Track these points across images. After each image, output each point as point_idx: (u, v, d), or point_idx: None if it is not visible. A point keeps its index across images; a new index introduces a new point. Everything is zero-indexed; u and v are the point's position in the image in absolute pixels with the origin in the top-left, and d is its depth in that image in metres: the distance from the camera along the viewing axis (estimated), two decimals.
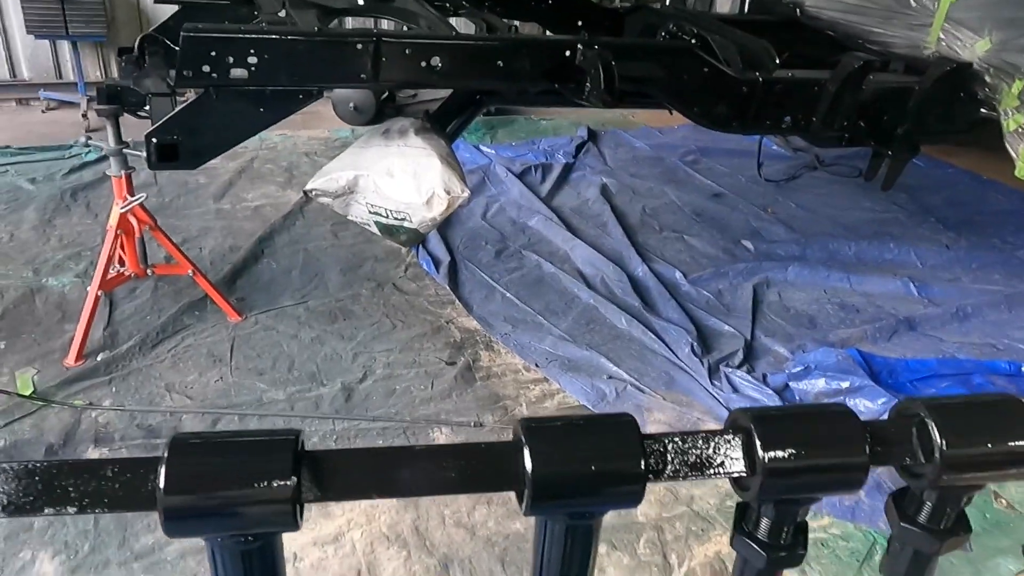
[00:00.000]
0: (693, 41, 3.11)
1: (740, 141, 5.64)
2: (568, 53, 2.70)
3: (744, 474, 0.52)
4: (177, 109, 2.49)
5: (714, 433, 0.52)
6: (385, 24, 3.49)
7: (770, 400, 3.01)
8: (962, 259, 4.32)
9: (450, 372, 3.10)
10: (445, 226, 4.18)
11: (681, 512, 2.56)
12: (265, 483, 0.45)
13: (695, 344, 3.26)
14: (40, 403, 2.76)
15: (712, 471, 0.52)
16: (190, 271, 3.26)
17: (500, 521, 2.47)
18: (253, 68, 2.38)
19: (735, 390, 3.07)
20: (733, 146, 5.59)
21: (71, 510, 0.44)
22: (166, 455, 0.45)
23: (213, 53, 2.34)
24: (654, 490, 2.63)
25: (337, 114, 5.68)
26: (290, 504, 0.46)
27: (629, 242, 4.14)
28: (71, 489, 0.44)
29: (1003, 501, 2.74)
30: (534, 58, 2.67)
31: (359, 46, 2.45)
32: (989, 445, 0.53)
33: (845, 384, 3.03)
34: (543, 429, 0.50)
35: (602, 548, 2.40)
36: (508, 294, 3.64)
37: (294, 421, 2.79)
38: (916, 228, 4.70)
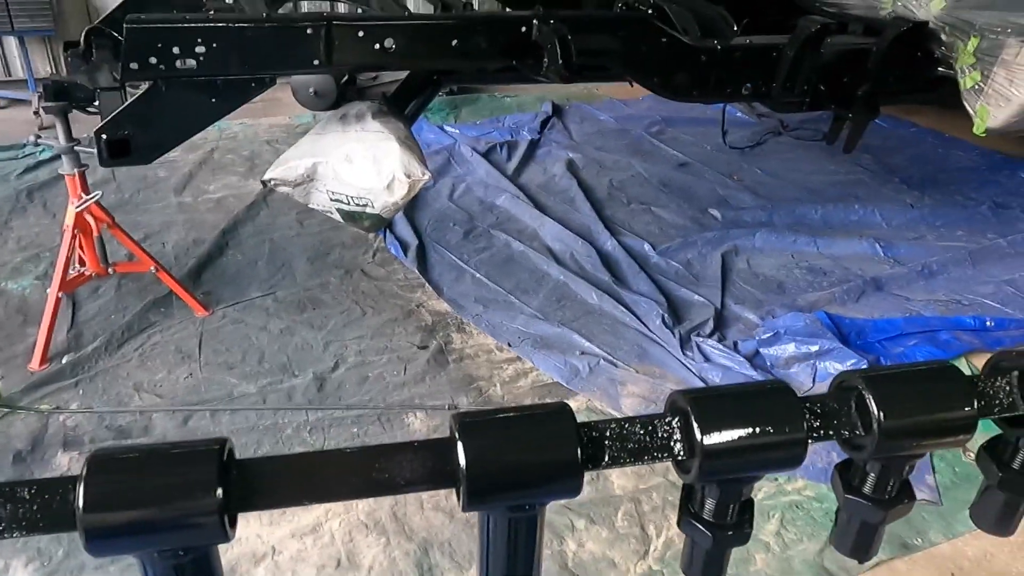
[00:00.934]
0: (650, 11, 3.09)
1: (704, 110, 5.65)
2: (524, 29, 2.67)
3: (683, 457, 0.52)
4: (127, 103, 2.43)
5: (652, 417, 0.52)
6: (341, 7, 3.43)
7: (741, 367, 3.03)
8: (926, 217, 4.36)
9: (423, 356, 3.09)
10: (412, 209, 4.15)
11: (657, 483, 2.58)
12: (190, 496, 0.44)
13: (666, 315, 3.27)
14: (5, 409, 2.71)
15: (651, 456, 0.51)
16: (152, 268, 3.20)
17: None
18: (201, 58, 2.32)
19: (707, 359, 3.09)
20: (698, 115, 5.59)
21: None
22: (84, 472, 0.44)
23: (159, 44, 2.28)
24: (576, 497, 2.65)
25: (297, 100, 5.59)
26: (217, 516, 0.45)
27: (597, 216, 4.13)
28: None
29: (970, 455, 2.79)
30: (489, 35, 2.64)
31: (309, 31, 2.40)
32: (926, 415, 0.53)
33: (815, 348, 3.06)
34: (477, 424, 0.49)
35: (580, 523, 2.42)
36: (478, 275, 3.62)
37: (266, 414, 2.77)
38: (881, 188, 4.74)
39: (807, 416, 0.52)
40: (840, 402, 0.53)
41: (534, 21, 2.66)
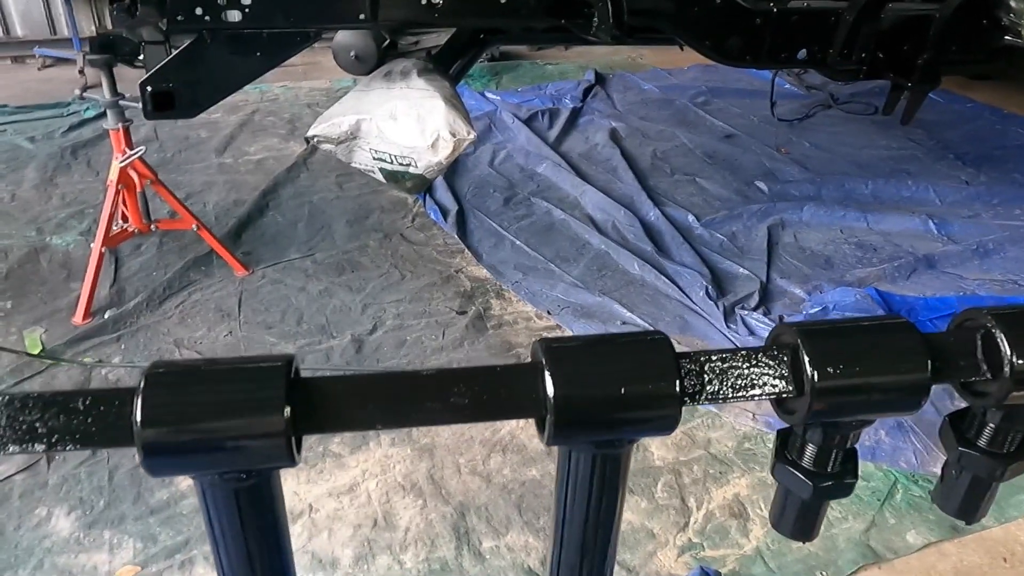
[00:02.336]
0: None
1: (752, 81, 5.51)
2: None
3: (790, 395, 0.47)
4: (171, 56, 2.41)
5: (756, 351, 0.47)
6: None
7: None
8: (982, 195, 4.21)
9: (461, 321, 3.05)
10: (452, 175, 4.10)
11: (699, 455, 2.53)
12: (256, 414, 0.40)
13: (710, 287, 3.20)
14: (49, 362, 2.74)
15: (755, 392, 0.46)
16: (194, 226, 3.20)
17: (516, 468, 2.45)
18: (247, 10, 2.29)
19: (751, 332, 3.01)
20: (744, 86, 5.45)
21: (39, 447, 0.40)
22: (142, 384, 0.40)
23: None
24: (672, 434, 2.60)
25: (338, 63, 5.55)
26: (284, 437, 0.41)
27: (640, 186, 4.05)
28: (38, 424, 0.39)
29: None
30: None
31: None
32: None
33: None
34: (565, 349, 0.45)
35: None
36: (518, 242, 3.57)
37: (305, 373, 2.76)
38: (934, 165, 4.58)
39: (928, 355, 0.47)
40: (964, 341, 0.48)
41: None
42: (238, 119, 4.80)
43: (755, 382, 0.46)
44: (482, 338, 2.99)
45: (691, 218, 3.78)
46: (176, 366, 0.42)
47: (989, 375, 0.48)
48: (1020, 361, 0.46)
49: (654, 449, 2.55)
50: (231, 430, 0.40)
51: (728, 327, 3.03)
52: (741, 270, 3.38)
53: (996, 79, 4.68)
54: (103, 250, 2.99)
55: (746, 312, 3.09)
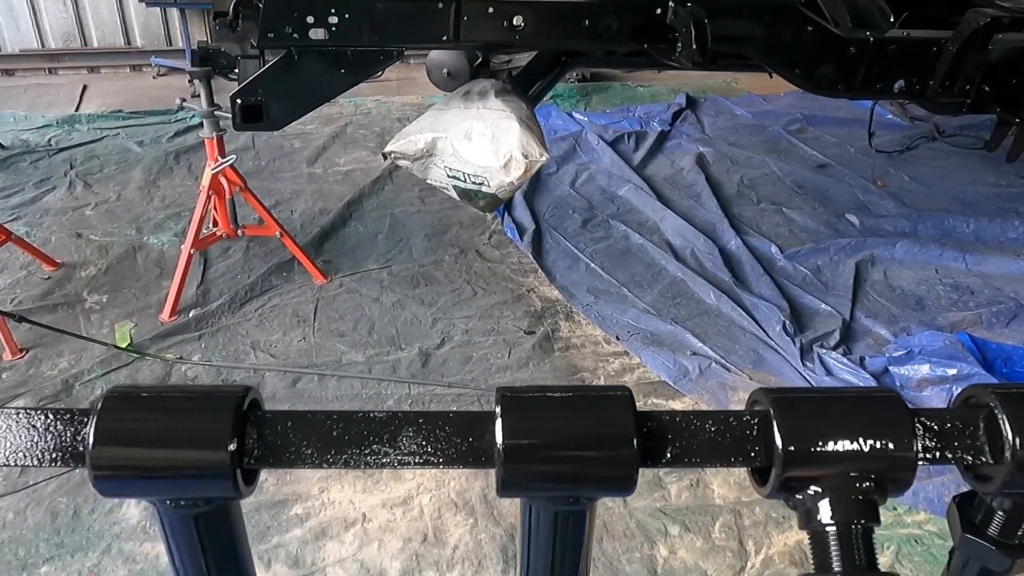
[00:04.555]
0: None
1: (851, 109, 5.31)
2: (659, 11, 2.56)
3: (760, 463, 0.44)
4: (261, 70, 2.51)
5: (728, 414, 0.44)
6: None
7: (866, 384, 2.82)
8: None
9: (528, 341, 3.05)
10: (531, 193, 4.11)
11: (761, 499, 2.43)
12: (201, 445, 0.41)
13: (787, 322, 3.08)
14: (135, 355, 2.89)
15: (722, 459, 0.44)
16: (278, 232, 3.32)
17: None
18: (333, 28, 2.37)
19: (828, 372, 2.89)
20: (843, 115, 5.26)
21: None
22: (99, 406, 0.41)
23: (294, 13, 2.33)
24: (733, 473, 2.52)
25: (431, 80, 5.64)
26: (229, 469, 0.41)
27: (723, 214, 3.95)
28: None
29: None
30: (622, 16, 2.55)
31: (440, 5, 2.40)
32: None
33: (952, 371, 2.80)
34: (522, 399, 0.43)
35: (674, 528, 2.31)
36: (592, 264, 3.55)
37: (371, 383, 2.81)
38: None
39: (920, 432, 0.43)
40: (965, 420, 0.43)
41: (670, 3, 2.54)
42: (331, 131, 4.96)
43: (724, 448, 0.43)
44: (548, 359, 2.97)
45: (774, 249, 3.66)
46: (135, 390, 0.43)
47: (991, 459, 0.43)
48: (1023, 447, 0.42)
49: (715, 487, 2.47)
50: (176, 459, 0.41)
51: (804, 365, 2.91)
52: (823, 306, 3.25)
53: None
54: (192, 252, 3.14)
55: (824, 351, 2.96)
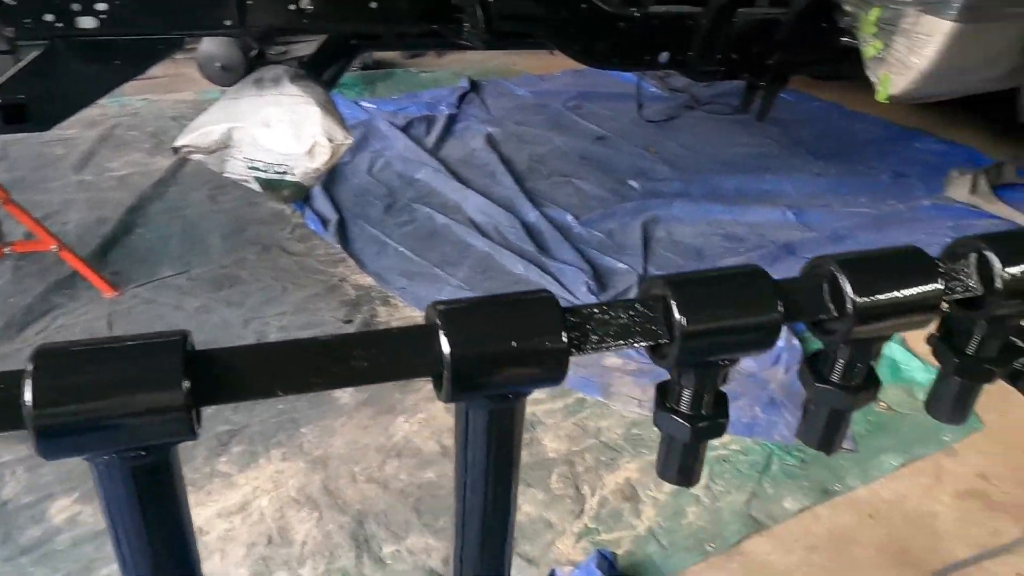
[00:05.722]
0: None
1: (620, 84, 5.72)
2: None
3: (664, 340, 0.51)
4: (20, 64, 2.27)
5: (632, 302, 0.51)
6: None
7: None
8: (833, 186, 4.54)
9: (347, 330, 3.01)
10: (330, 184, 4.05)
11: (590, 444, 2.61)
12: (155, 388, 0.40)
13: (591, 282, 3.30)
14: None
15: (633, 338, 0.50)
16: (54, 247, 3.02)
17: (412, 472, 2.45)
18: (103, 16, 2.19)
19: None
20: (613, 90, 5.65)
21: None
22: (31, 367, 0.39)
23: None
24: (563, 425, 2.67)
25: (204, 75, 5.35)
26: (184, 410, 0.41)
27: (519, 189, 4.13)
28: None
29: (883, 404, 2.93)
30: None
31: None
32: (897, 293, 0.54)
33: None
34: (458, 310, 0.47)
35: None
36: (401, 248, 3.57)
37: None
38: (790, 160, 4.91)
39: (781, 299, 0.52)
40: (813, 285, 0.54)
41: None
42: (97, 134, 4.55)
43: (633, 331, 0.50)
44: None
45: (570, 218, 3.89)
46: (67, 346, 0.41)
47: (835, 313, 0.54)
48: (861, 300, 0.52)
49: (547, 442, 2.61)
50: (130, 406, 0.40)
51: None
52: (620, 265, 3.51)
53: (840, 79, 5.05)
54: None
55: None
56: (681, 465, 0.61)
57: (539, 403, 2.77)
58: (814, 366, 0.62)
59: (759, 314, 0.51)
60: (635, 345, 0.50)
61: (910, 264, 0.56)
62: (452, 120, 5.03)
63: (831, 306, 0.53)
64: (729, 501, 2.44)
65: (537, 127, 5.07)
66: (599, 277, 3.42)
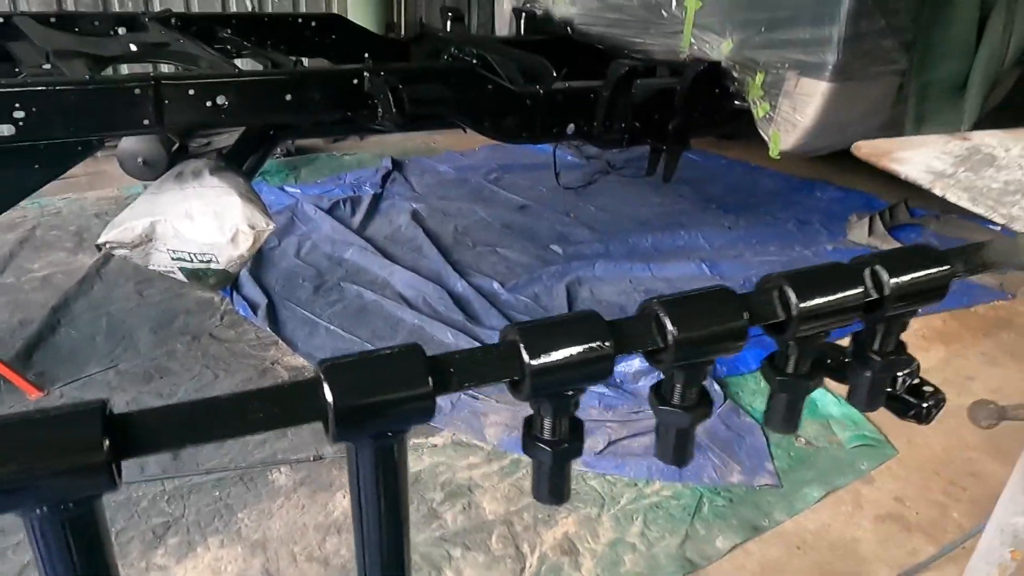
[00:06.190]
0: (475, 61, 3.28)
1: (536, 155, 5.97)
2: (356, 81, 2.78)
3: (517, 378, 0.61)
4: None
5: (490, 347, 0.61)
6: (165, 69, 3.39)
7: (594, 387, 3.21)
8: (743, 237, 4.81)
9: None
10: (258, 269, 4.10)
11: (527, 503, 2.67)
12: (79, 446, 0.48)
13: None
14: None
15: (490, 378, 0.60)
16: None
17: (352, 548, 2.46)
18: (21, 123, 2.25)
19: None
20: (531, 161, 5.89)
21: None
22: None
23: None
24: (500, 487, 2.73)
25: (125, 171, 5.34)
26: (106, 465, 0.49)
27: (445, 261, 4.25)
28: None
29: (802, 440, 3.09)
30: (323, 89, 2.72)
31: (137, 91, 2.39)
32: (710, 327, 0.65)
33: None
34: (339, 365, 0.56)
35: (457, 552, 2.46)
36: (332, 327, 3.63)
37: (121, 490, 2.63)
38: (701, 215, 5.18)
39: (614, 336, 0.63)
40: (643, 323, 0.65)
41: (365, 73, 2.77)
42: (16, 236, 4.51)
43: (491, 371, 0.60)
44: (306, 425, 2.98)
45: (496, 285, 4.02)
46: (4, 420, 0.49)
47: (662, 345, 0.65)
48: (681, 334, 0.64)
49: (485, 504, 2.66)
50: (60, 464, 0.47)
51: None
52: None
53: (739, 138, 5.39)
54: None
55: None
56: (551, 486, 0.71)
57: (475, 467, 2.83)
58: (658, 392, 0.73)
59: (595, 350, 0.62)
60: (494, 383, 0.61)
61: (721, 300, 0.68)
62: (377, 199, 5.16)
63: (658, 339, 0.65)
64: (664, 545, 2.52)
65: (460, 200, 5.24)
66: None
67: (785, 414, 0.80)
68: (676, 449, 0.73)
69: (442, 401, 2.59)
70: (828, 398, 3.27)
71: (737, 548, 2.55)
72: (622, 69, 3.40)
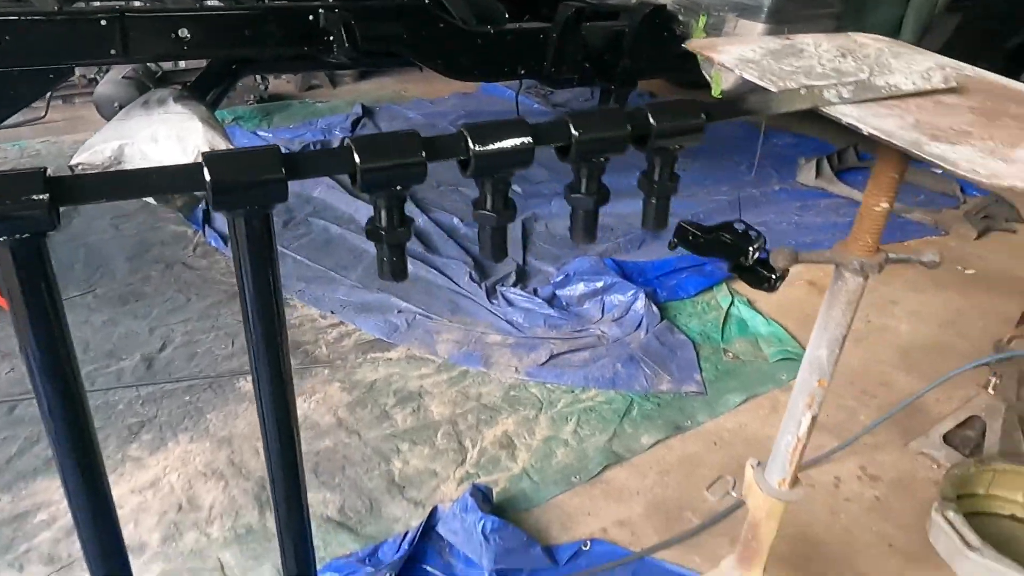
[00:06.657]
0: (427, 1, 3.46)
1: (504, 103, 6.14)
2: (311, 17, 2.96)
3: (351, 173, 0.85)
4: None
5: (333, 149, 0.84)
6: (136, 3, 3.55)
7: (541, 308, 3.46)
8: (696, 179, 5.03)
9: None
10: None
11: (472, 407, 2.93)
12: (19, 189, 0.71)
13: (473, 272, 3.65)
14: None
15: (335, 169, 0.83)
16: None
17: (310, 442, 2.71)
18: None
19: (511, 304, 3.49)
20: (498, 108, 6.07)
21: None
22: None
23: None
24: (448, 393, 2.98)
25: (102, 115, 5.51)
26: (46, 204, 0.72)
27: (408, 198, 4.45)
28: None
29: (730, 355, 3.35)
30: (280, 24, 2.90)
31: (104, 22, 2.58)
32: (503, 143, 0.89)
33: (600, 283, 3.54)
34: (216, 154, 0.79)
35: (404, 446, 2.72)
36: (298, 257, 3.85)
37: (96, 395, 2.86)
38: None
39: (427, 147, 0.87)
40: (453, 139, 0.88)
41: (320, 9, 2.95)
42: None
43: (335, 164, 0.83)
44: None
45: (456, 220, 4.23)
46: None
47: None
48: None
49: (433, 408, 2.91)
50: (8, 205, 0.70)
51: (491, 303, 3.48)
52: None
53: (690, 84, 5.57)
54: None
55: (505, 288, 3.57)
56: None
57: (426, 377, 3.08)
58: (477, 202, 0.98)
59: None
60: (338, 173, 0.83)
61: (514, 127, 0.91)
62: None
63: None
64: (593, 442, 2.79)
65: None
66: (482, 268, 3.77)
67: (582, 225, 1.07)
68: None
69: (398, 320, 2.83)
70: (758, 319, 3.53)
71: (660, 444, 2.82)
72: (569, 11, 3.58)
